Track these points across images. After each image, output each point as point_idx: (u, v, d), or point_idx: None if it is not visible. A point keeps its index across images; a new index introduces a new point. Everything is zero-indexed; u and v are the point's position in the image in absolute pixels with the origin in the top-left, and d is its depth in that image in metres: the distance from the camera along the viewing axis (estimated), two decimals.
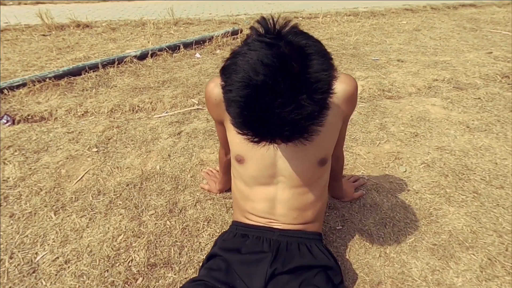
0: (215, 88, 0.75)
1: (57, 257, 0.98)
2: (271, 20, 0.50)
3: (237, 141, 0.78)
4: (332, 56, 0.53)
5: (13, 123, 1.78)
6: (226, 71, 0.52)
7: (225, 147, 0.94)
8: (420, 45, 3.06)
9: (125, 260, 0.98)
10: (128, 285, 0.90)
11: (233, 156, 0.82)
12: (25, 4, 5.46)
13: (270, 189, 0.80)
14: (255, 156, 0.77)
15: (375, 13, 4.43)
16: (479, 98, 1.94)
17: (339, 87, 0.73)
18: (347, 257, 0.98)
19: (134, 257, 0.99)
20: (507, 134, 1.55)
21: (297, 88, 0.47)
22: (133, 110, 1.91)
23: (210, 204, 1.19)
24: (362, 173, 1.34)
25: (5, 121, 1.76)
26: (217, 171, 1.30)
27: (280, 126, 0.49)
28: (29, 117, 1.83)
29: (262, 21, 0.51)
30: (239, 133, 0.54)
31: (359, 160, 1.41)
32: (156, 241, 1.04)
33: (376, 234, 1.05)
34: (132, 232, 1.07)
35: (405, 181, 1.28)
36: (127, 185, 1.28)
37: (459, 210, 1.14)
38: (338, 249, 1.01)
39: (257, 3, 5.75)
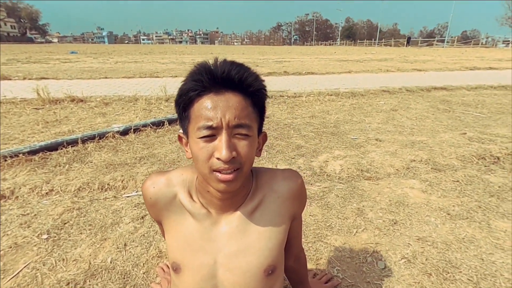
0: (150, 187, 0.69)
1: None
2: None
3: (174, 245, 0.69)
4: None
5: None
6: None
7: None
8: (398, 124, 3.19)
9: None
10: None
11: (170, 264, 0.71)
12: (30, 79, 5.82)
13: None
14: (192, 265, 0.67)
15: (355, 93, 4.77)
16: (457, 181, 1.91)
17: (283, 185, 0.68)
18: None
19: None
20: (490, 223, 1.46)
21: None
22: (102, 189, 1.83)
23: None
24: (337, 269, 1.20)
25: None
26: None
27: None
28: None
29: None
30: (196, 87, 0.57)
31: (334, 254, 1.28)
32: None
33: None
34: None
35: (384, 281, 1.14)
36: (68, 284, 1.11)
37: None
38: None
39: None
